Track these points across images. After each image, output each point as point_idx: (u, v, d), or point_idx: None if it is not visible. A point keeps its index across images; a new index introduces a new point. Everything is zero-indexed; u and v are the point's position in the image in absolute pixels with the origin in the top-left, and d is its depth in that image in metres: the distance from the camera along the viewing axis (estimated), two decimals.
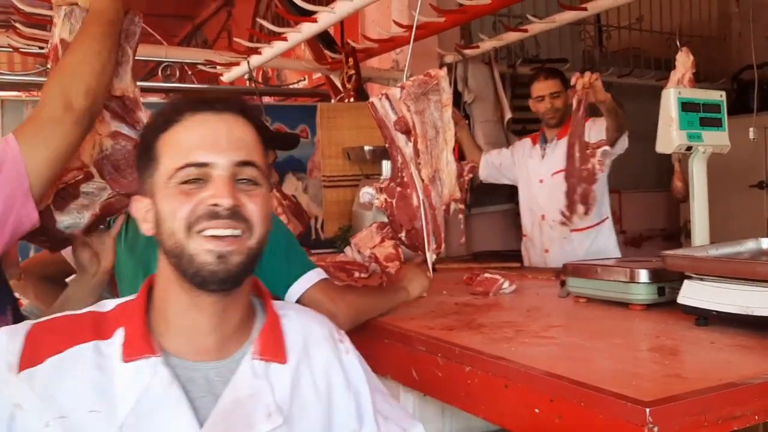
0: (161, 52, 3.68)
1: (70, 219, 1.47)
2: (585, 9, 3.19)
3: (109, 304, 1.00)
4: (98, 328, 0.95)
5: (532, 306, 1.94)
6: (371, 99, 1.80)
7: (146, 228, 0.98)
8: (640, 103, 5.49)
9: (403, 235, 1.81)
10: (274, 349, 1.00)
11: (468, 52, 4.00)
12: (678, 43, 2.73)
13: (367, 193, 1.84)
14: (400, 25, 3.22)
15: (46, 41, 2.97)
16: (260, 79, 4.08)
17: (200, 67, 3.82)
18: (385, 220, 2.79)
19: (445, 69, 1.88)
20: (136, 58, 3.82)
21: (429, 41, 3.66)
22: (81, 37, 1.37)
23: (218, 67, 3.69)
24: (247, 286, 1.00)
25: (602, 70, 5.16)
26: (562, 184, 2.76)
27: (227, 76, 3.79)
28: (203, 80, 4.41)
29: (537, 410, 1.20)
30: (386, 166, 3.38)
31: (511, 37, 3.78)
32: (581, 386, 1.13)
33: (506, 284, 2.17)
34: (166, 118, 0.97)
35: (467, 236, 4.28)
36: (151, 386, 0.90)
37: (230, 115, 0.97)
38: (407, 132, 1.79)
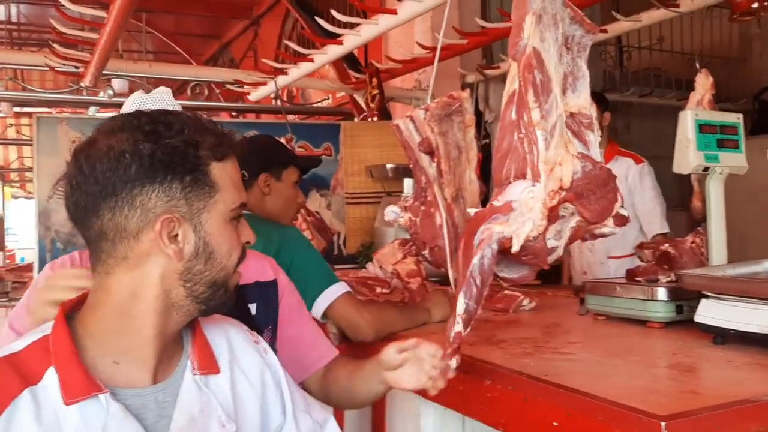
0: (191, 72, 3.79)
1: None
2: (605, 31, 3.23)
3: (16, 344, 0.91)
4: (22, 373, 0.87)
5: (551, 323, 1.97)
6: (396, 121, 1.86)
7: (175, 253, 0.92)
8: (660, 123, 5.52)
9: (426, 252, 1.86)
10: (207, 362, 1.02)
11: (489, 72, 4.06)
12: (697, 65, 2.77)
13: (392, 211, 1.89)
14: (423, 47, 3.29)
15: (82, 61, 3.11)
16: (285, 98, 4.17)
17: (228, 86, 3.92)
18: (407, 236, 2.85)
19: (468, 91, 1.93)
20: (166, 76, 3.92)
21: (451, 62, 3.73)
22: None
23: (245, 86, 3.79)
24: None
25: (623, 90, 5.19)
26: None
27: (254, 95, 3.88)
28: (230, 99, 4.52)
29: (555, 424, 1.23)
30: (408, 183, 3.43)
31: None
32: (599, 401, 1.17)
33: (526, 301, 2.21)
34: (222, 149, 0.97)
35: None
36: (107, 425, 0.86)
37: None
38: (431, 153, 1.84)
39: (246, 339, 1.12)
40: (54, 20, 2.66)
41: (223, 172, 0.97)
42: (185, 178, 0.92)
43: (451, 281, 1.83)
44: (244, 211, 2.10)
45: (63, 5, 2.33)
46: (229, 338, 1.09)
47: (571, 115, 1.34)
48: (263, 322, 1.45)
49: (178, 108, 1.31)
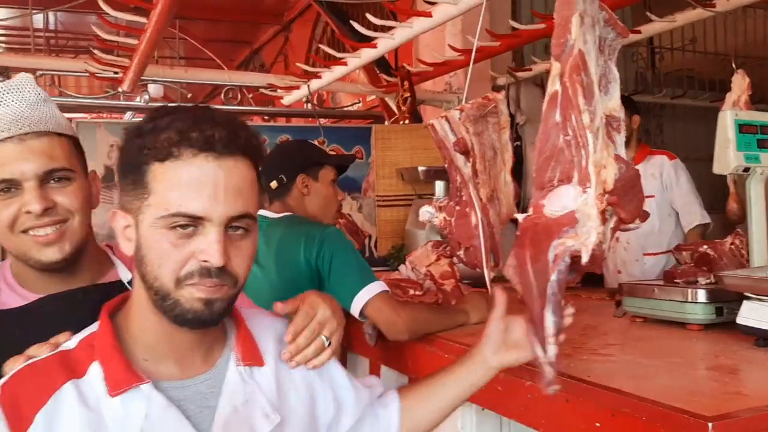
0: (224, 76, 3.84)
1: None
2: (639, 32, 3.20)
3: (69, 342, 0.97)
4: (69, 368, 0.91)
5: (588, 325, 1.95)
6: (431, 121, 1.87)
7: (126, 247, 0.94)
8: (693, 125, 5.45)
9: (461, 252, 1.86)
10: (252, 354, 1.02)
11: (520, 74, 4.04)
12: (734, 65, 2.73)
13: (426, 211, 1.90)
14: (455, 50, 3.29)
15: (121, 67, 3.17)
16: (315, 101, 4.20)
17: (261, 90, 3.97)
18: (439, 238, 2.84)
19: (503, 92, 1.94)
20: (201, 81, 3.95)
21: (482, 64, 3.72)
22: None
23: (279, 90, 3.83)
24: None
25: (655, 91, 5.13)
26: None
27: (287, 99, 3.92)
28: (260, 103, 4.57)
29: (598, 425, 1.22)
30: (439, 186, 3.43)
31: None
32: (643, 401, 1.16)
33: None
34: (163, 148, 0.89)
35: None
36: (150, 413, 0.89)
37: (230, 160, 0.90)
38: (466, 153, 1.85)
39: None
40: (95, 26, 2.72)
41: (162, 174, 0.88)
42: (128, 177, 0.92)
43: (487, 282, 1.83)
44: (287, 213, 2.13)
45: (105, 12, 2.38)
46: (277, 334, 1.09)
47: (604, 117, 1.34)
48: None
49: (43, 96, 1.16)
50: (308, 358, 1.08)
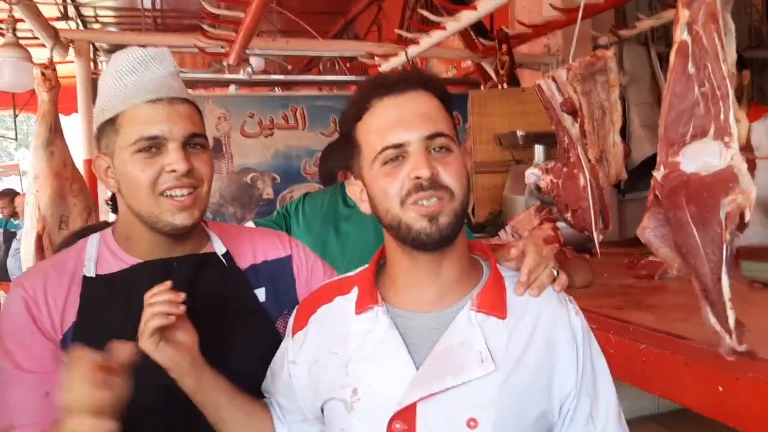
0: (324, 46, 3.90)
1: None
2: None
3: (354, 271, 1.17)
4: (342, 287, 1.13)
5: None
6: (538, 81, 1.84)
7: (365, 208, 1.09)
8: None
9: (569, 215, 1.83)
10: (493, 304, 1.04)
11: (624, 32, 3.87)
12: None
13: (532, 173, 1.88)
14: (556, 9, 3.19)
15: (228, 41, 3.28)
16: (410, 69, 4.20)
17: (360, 58, 3.99)
18: (537, 203, 2.80)
19: (612, 49, 1.87)
20: (300, 53, 3.98)
21: (583, 23, 3.59)
22: None
23: (376, 58, 3.84)
24: (460, 245, 1.05)
25: None
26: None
27: (385, 66, 3.93)
28: (356, 72, 4.61)
29: (720, 389, 1.19)
30: (539, 150, 3.37)
31: (671, 15, 3.59)
32: None
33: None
34: (358, 108, 1.05)
35: (621, 221, 4.17)
36: (373, 330, 1.04)
37: (412, 93, 1.03)
38: (574, 113, 1.81)
39: (550, 295, 1.09)
40: (204, 2, 2.82)
41: (363, 128, 1.06)
42: (347, 149, 1.10)
43: (596, 244, 1.79)
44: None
45: None
46: (540, 300, 1.08)
47: None
48: (275, 307, 1.26)
49: (177, 70, 1.22)
50: (545, 284, 1.08)
